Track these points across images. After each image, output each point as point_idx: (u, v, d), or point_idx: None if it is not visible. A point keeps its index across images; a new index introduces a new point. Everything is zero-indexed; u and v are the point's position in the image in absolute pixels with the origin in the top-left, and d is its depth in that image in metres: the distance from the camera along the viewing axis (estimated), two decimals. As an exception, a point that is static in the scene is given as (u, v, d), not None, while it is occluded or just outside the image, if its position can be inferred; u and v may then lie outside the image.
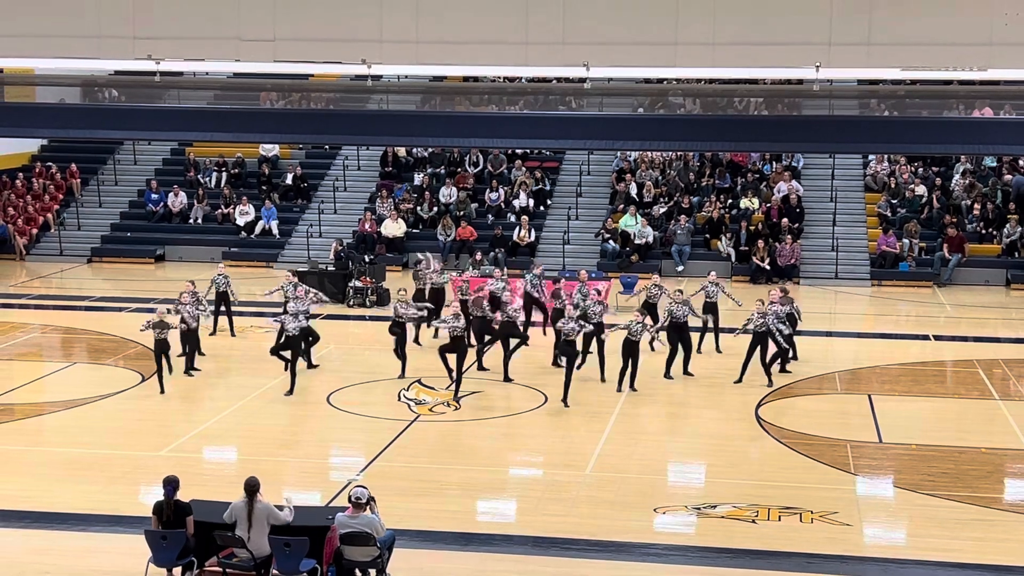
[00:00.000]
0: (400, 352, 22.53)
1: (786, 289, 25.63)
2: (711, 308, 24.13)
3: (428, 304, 24.19)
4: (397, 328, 22.45)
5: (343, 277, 29.91)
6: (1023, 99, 22.03)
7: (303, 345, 22.18)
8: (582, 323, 21.18)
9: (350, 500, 13.25)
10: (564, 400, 20.82)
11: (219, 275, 25.71)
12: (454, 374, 21.42)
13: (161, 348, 21.33)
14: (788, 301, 23.34)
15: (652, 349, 23.55)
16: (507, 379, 22.25)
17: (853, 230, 35.34)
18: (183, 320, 22.09)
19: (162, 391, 21.38)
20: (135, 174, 40.61)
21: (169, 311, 21.95)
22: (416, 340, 24.63)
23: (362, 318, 28.47)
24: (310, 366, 22.84)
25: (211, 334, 25.35)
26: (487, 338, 23.12)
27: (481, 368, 22.92)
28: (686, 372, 22.69)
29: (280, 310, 23.74)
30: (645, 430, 20.19)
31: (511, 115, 20.71)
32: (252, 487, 13.02)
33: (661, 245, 34.97)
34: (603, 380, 22.28)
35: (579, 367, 22.07)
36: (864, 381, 23.07)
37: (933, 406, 21.52)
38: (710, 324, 24.37)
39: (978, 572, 14.29)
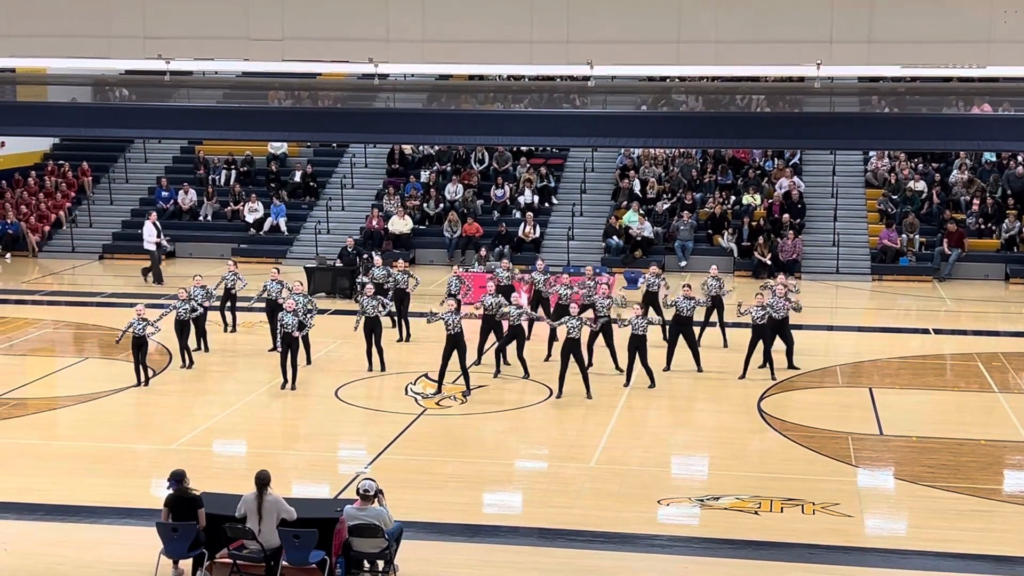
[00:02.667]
0: (378, 346, 22.87)
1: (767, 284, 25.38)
2: (716, 302, 24.32)
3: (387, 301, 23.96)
4: (373, 323, 22.67)
5: (351, 273, 30.16)
6: (1022, 96, 22.20)
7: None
8: (583, 320, 21.34)
9: (358, 492, 13.41)
10: (587, 394, 21.05)
11: (229, 272, 25.97)
12: (439, 375, 21.59)
13: (138, 344, 21.75)
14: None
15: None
16: (525, 374, 22.47)
17: (854, 225, 35.49)
18: (176, 313, 22.61)
19: (139, 383, 21.86)
20: (146, 172, 40.84)
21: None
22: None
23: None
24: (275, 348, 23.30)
25: (230, 330, 25.93)
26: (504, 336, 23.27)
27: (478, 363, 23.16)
28: (699, 368, 22.82)
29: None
30: (649, 423, 20.38)
31: (516, 113, 20.87)
32: (263, 480, 13.21)
33: (664, 241, 35.16)
34: (618, 369, 22.41)
35: (590, 364, 22.27)
36: (865, 374, 23.25)
37: (933, 399, 21.69)
38: (714, 318, 24.55)
39: (978, 562, 14.42)
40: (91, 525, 15.43)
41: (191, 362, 23.03)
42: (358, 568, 13.50)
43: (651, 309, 24.07)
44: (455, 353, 21.25)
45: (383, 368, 22.77)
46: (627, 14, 15.39)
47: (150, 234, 32.40)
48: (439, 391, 21.43)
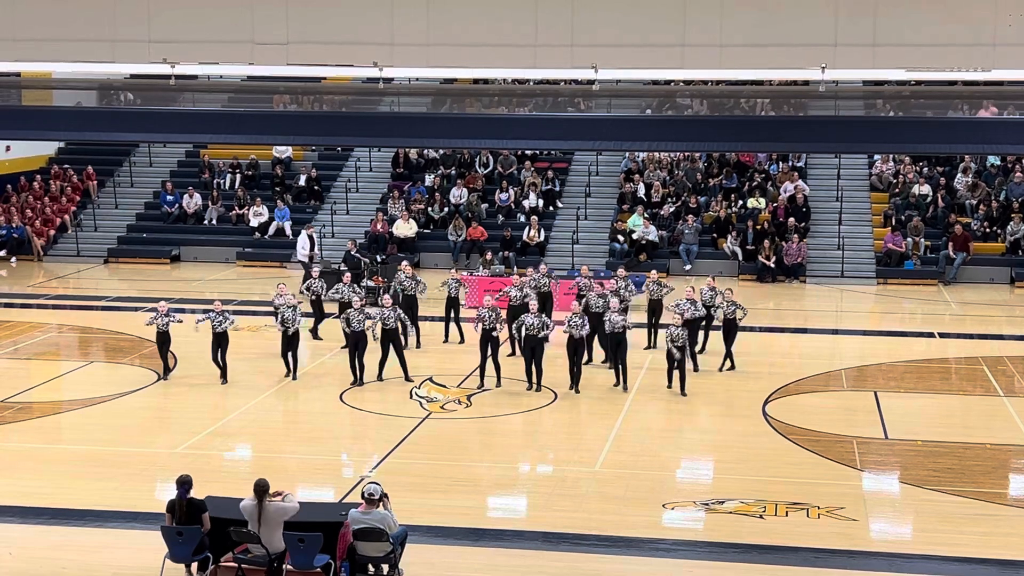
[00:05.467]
0: (360, 360, 22.13)
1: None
2: (656, 305, 24.62)
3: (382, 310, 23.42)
4: (358, 336, 22.07)
5: (355, 277, 30.12)
6: (1027, 99, 22.18)
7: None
8: (583, 321, 21.57)
9: (363, 496, 13.40)
10: (576, 388, 21.47)
11: (282, 297, 23.83)
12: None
13: (162, 340, 22.01)
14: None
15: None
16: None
17: (859, 229, 35.47)
18: (212, 325, 22.17)
19: (164, 377, 22.29)
20: (150, 176, 40.89)
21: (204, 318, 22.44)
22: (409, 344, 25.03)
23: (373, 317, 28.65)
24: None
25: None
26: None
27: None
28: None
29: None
30: (653, 427, 20.35)
31: (521, 117, 20.93)
32: (261, 489, 13.14)
33: (669, 244, 35.17)
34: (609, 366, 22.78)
35: (587, 362, 22.70)
36: (870, 378, 23.21)
37: (938, 403, 21.66)
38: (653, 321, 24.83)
39: (983, 566, 14.41)
40: (96, 529, 15.42)
41: (225, 378, 22.33)
42: (363, 572, 13.49)
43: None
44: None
45: (359, 382, 22.11)
46: (631, 18, 15.42)
47: (304, 246, 32.40)
48: (482, 386, 21.80)
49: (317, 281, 25.59)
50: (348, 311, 22.40)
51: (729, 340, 23.04)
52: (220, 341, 22.22)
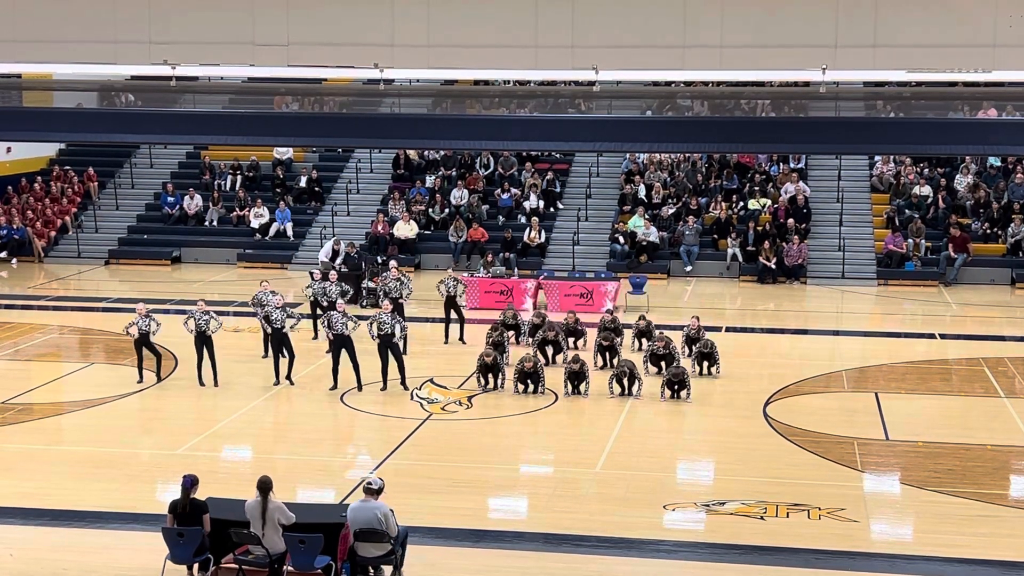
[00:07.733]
0: (353, 362, 21.76)
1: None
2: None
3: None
4: (344, 340, 21.73)
5: (356, 278, 30.14)
6: (1027, 100, 22.18)
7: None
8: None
9: (365, 490, 13.37)
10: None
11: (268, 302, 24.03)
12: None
13: (143, 341, 22.10)
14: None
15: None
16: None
17: (859, 230, 35.46)
18: (197, 325, 22.09)
19: (140, 379, 22.28)
20: (151, 177, 40.90)
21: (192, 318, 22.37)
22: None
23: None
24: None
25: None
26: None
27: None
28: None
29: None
30: (654, 427, 20.35)
31: (521, 118, 20.89)
32: (265, 486, 13.20)
33: (669, 246, 35.16)
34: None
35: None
36: (871, 379, 23.21)
37: (939, 404, 21.66)
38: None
39: (984, 568, 14.39)
40: (97, 530, 15.42)
41: (201, 380, 22.26)
42: (363, 573, 13.50)
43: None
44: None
45: (359, 387, 21.84)
46: (632, 18, 15.40)
47: (326, 253, 32.47)
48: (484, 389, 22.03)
49: (317, 284, 25.69)
50: (330, 313, 22.04)
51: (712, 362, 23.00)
52: (205, 342, 22.17)
